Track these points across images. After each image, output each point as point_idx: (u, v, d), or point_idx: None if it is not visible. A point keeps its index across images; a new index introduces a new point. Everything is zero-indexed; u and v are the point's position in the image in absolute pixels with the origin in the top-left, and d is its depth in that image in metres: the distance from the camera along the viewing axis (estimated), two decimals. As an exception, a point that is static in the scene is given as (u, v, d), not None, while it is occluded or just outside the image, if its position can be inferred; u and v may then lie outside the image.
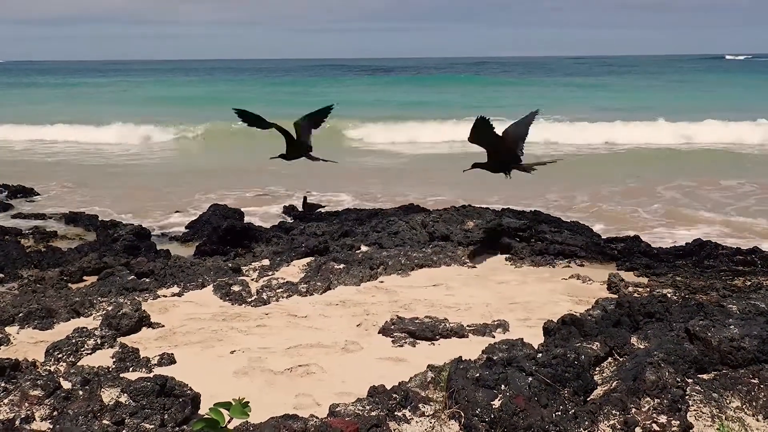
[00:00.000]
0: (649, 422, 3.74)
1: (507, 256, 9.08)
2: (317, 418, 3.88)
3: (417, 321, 6.28)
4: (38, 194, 15.45)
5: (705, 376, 4.16)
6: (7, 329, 6.52)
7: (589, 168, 18.94)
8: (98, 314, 6.93)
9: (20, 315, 6.85)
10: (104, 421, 4.07)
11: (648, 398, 3.84)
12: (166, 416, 4.21)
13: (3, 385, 4.47)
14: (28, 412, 4.14)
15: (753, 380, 4.03)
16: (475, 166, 8.82)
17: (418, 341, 6.07)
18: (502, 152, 8.58)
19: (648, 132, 24.84)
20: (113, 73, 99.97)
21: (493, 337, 6.10)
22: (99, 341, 5.94)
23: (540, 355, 4.35)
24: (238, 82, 64.58)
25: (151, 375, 4.70)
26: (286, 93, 47.57)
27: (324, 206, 13.24)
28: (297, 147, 9.74)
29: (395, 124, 25.65)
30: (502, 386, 3.95)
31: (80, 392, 4.35)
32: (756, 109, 29.87)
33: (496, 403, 3.86)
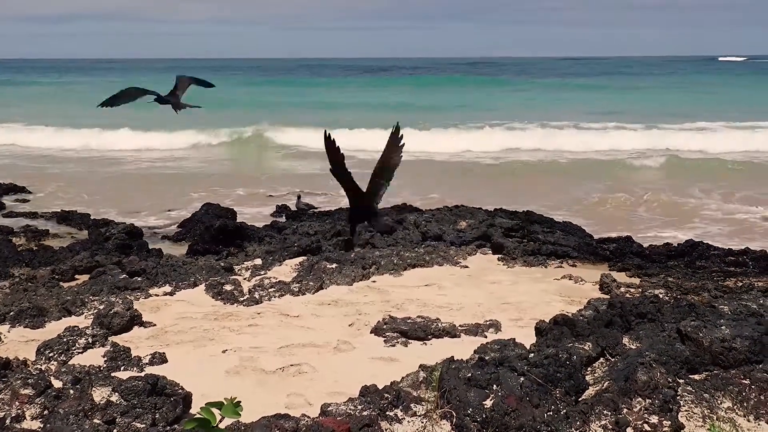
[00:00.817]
0: (640, 422, 3.75)
1: (499, 256, 9.08)
2: (309, 417, 3.87)
3: (409, 321, 6.28)
4: (30, 192, 15.40)
5: (696, 377, 4.17)
6: (-2, 328, 6.50)
7: (578, 173, 18.80)
8: (90, 313, 6.91)
9: (11, 313, 6.82)
10: (95, 420, 4.06)
11: (639, 398, 3.85)
12: (157, 415, 4.20)
13: (-7, 383, 4.45)
14: (19, 411, 4.12)
15: (744, 381, 4.04)
16: (353, 231, 7.40)
17: (410, 341, 6.07)
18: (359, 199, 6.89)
19: (636, 138, 24.51)
20: (111, 71, 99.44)
21: (485, 337, 6.11)
22: (90, 340, 5.92)
23: (532, 355, 4.35)
24: (234, 83, 64.10)
25: (143, 374, 4.68)
26: (282, 93, 47.36)
27: (317, 208, 13.23)
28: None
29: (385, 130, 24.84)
30: (494, 386, 3.95)
31: (71, 391, 4.34)
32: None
33: (488, 402, 3.86)
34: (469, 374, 4.04)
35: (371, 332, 6.28)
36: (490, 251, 9.36)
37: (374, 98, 43.08)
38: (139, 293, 7.62)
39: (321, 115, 30.24)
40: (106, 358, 5.55)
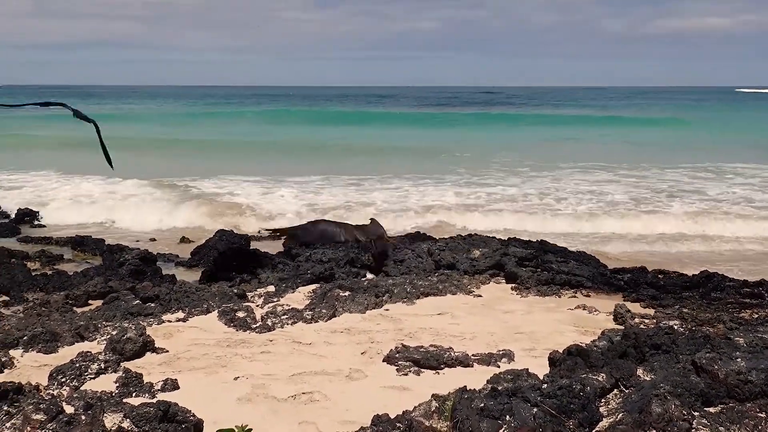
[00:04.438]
0: (655, 455, 3.71)
1: (513, 285, 9.05)
2: (320, 446, 3.85)
3: (422, 350, 6.26)
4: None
5: (711, 409, 4.13)
6: (11, 352, 6.50)
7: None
8: (102, 338, 6.92)
9: (24, 338, 6.84)
10: (106, 447, 4.05)
11: (654, 431, 3.81)
12: (168, 442, 4.18)
13: (6, 408, 4.46)
14: (30, 437, 4.12)
15: (760, 414, 4.00)
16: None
17: (422, 370, 6.04)
18: None
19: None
20: (115, 98, 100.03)
21: (498, 366, 6.07)
22: (103, 366, 5.92)
23: (545, 385, 4.33)
24: (231, 115, 62.28)
25: (154, 400, 4.69)
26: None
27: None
28: None
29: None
30: (507, 417, 3.92)
31: (83, 417, 4.34)
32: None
33: (501, 433, 3.83)
34: (482, 404, 4.01)
35: (384, 361, 6.25)
36: (504, 280, 9.34)
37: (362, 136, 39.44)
38: (152, 319, 7.63)
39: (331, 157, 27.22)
40: (118, 384, 5.55)
